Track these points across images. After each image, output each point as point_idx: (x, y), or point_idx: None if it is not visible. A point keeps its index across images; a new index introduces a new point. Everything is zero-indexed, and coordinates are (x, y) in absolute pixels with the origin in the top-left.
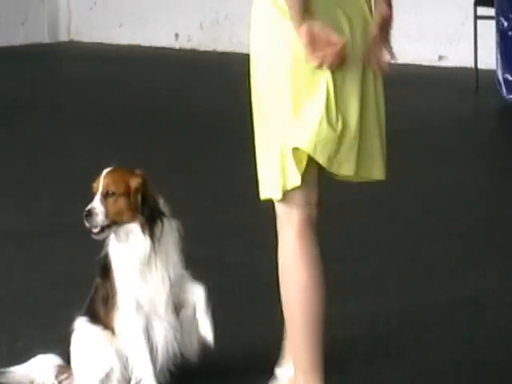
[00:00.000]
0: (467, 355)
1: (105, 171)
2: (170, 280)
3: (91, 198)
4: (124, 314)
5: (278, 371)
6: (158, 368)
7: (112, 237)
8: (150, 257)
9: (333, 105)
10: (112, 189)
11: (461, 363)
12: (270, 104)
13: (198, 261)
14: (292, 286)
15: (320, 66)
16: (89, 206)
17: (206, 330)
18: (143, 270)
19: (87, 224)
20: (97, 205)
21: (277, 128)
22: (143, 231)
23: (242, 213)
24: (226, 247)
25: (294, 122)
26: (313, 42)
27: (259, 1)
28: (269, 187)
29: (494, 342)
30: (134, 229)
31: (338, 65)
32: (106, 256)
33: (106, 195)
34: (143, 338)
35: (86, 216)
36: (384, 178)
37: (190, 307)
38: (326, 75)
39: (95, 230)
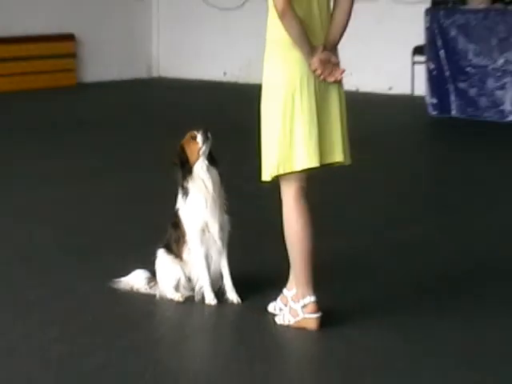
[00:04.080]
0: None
1: (198, 132)
2: (222, 224)
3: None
4: (192, 246)
5: (285, 291)
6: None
7: (181, 200)
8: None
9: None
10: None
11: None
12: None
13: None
14: (292, 229)
15: (329, 78)
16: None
17: (233, 295)
18: (212, 210)
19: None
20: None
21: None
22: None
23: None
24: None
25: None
26: (322, 64)
27: (275, 45)
28: (269, 169)
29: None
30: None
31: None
32: (177, 215)
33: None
34: (204, 261)
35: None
36: (345, 161)
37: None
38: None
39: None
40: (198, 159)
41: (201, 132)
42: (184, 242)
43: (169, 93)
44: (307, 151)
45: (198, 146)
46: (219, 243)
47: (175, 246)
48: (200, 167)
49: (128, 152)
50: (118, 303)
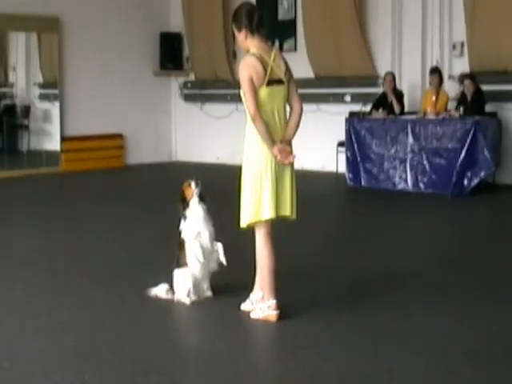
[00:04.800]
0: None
1: (192, 181)
2: (210, 232)
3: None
4: (192, 260)
5: (251, 295)
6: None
7: (183, 222)
8: (206, 217)
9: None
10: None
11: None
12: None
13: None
14: (262, 257)
15: (284, 161)
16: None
17: (222, 259)
18: (203, 224)
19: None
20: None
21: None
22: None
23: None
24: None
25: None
26: (280, 152)
27: (250, 139)
28: (245, 219)
29: None
30: (201, 205)
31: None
32: (180, 235)
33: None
34: (200, 267)
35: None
36: (293, 216)
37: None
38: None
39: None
40: (192, 197)
41: (193, 181)
42: (186, 255)
43: (182, 171)
44: (270, 208)
45: (191, 189)
46: (210, 250)
47: (182, 259)
48: (194, 202)
49: (160, 205)
50: (149, 304)
